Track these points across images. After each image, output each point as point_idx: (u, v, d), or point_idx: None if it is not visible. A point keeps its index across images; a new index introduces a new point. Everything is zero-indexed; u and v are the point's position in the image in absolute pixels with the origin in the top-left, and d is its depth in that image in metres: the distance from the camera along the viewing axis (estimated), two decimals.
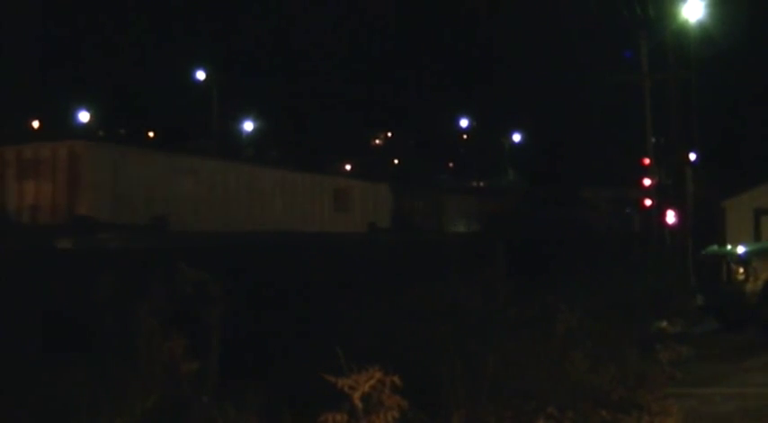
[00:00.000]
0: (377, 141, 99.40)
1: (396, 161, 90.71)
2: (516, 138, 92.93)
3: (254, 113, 73.98)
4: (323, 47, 75.69)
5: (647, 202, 39.98)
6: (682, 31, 35.76)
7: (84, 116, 70.18)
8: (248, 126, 74.98)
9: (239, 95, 67.59)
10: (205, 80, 62.06)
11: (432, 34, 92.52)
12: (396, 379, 7.35)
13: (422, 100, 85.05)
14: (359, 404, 7.22)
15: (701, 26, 36.31)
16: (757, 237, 31.16)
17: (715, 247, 22.42)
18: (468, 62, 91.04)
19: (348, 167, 77.99)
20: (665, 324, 18.00)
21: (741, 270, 18.80)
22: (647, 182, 39.56)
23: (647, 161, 39.15)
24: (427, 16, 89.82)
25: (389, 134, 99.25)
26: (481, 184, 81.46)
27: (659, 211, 37.45)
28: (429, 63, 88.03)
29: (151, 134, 71.99)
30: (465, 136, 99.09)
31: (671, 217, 36.36)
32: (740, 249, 19.98)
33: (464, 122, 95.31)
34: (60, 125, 60.92)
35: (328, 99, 74.45)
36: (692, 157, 42.85)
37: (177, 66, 66.18)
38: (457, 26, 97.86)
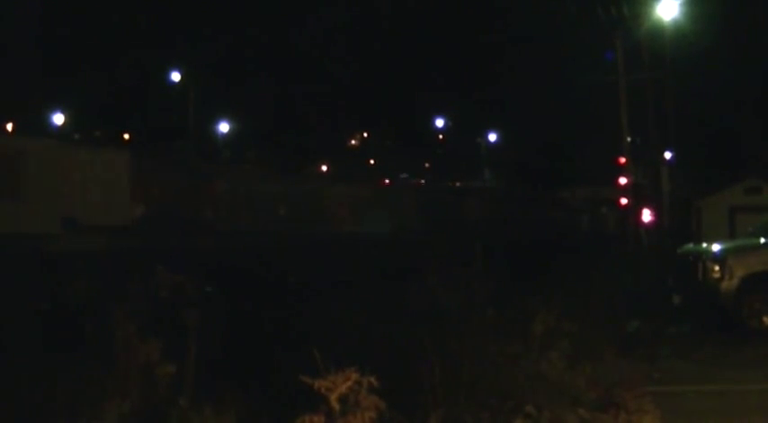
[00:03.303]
0: (353, 142, 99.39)
1: (372, 161, 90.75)
2: (492, 138, 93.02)
3: (229, 115, 73.88)
4: (298, 49, 75.60)
5: (624, 202, 40.14)
6: (657, 31, 35.92)
7: (58, 118, 69.95)
8: (224, 127, 74.86)
9: (215, 97, 67.50)
10: (180, 81, 61.93)
11: (407, 35, 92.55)
12: (372, 380, 7.36)
13: (398, 100, 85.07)
14: (336, 405, 7.22)
15: (676, 25, 36.47)
16: (732, 235, 31.34)
17: (690, 246, 22.50)
18: (443, 63, 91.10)
19: (324, 168, 77.99)
20: (641, 323, 18.04)
21: (716, 268, 18.89)
22: (622, 181, 39.71)
23: (622, 160, 39.30)
24: (402, 17, 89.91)
25: (365, 135, 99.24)
26: (457, 184, 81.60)
27: (635, 210, 37.59)
28: (404, 64, 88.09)
29: (126, 136, 71.81)
30: (441, 136, 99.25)
31: (647, 216, 36.52)
32: (715, 247, 20.07)
33: (440, 123, 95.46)
34: (35, 127, 60.64)
35: (304, 100, 74.38)
36: (668, 156, 43.07)
37: (152, 67, 66.02)
38: (432, 27, 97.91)
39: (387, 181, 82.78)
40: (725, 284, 18.72)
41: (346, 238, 27.50)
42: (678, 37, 37.59)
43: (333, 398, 7.22)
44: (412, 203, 37.70)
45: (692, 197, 38.50)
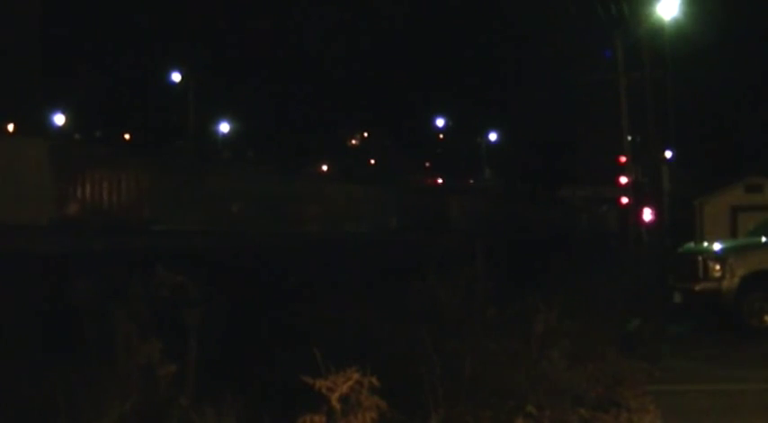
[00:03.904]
0: (353, 141, 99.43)
1: (372, 161, 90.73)
2: (492, 137, 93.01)
3: (230, 114, 73.87)
4: (298, 48, 75.51)
5: (624, 200, 40.07)
6: (657, 30, 35.89)
7: (59, 119, 69.93)
8: (224, 127, 74.87)
9: (216, 97, 67.45)
10: (181, 81, 61.86)
11: (407, 35, 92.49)
12: (373, 380, 7.35)
13: (398, 100, 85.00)
14: (337, 405, 7.21)
15: (677, 24, 36.46)
16: (734, 234, 31.32)
17: (692, 245, 22.51)
18: (443, 62, 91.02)
19: (325, 168, 77.96)
20: (642, 322, 18.05)
21: (717, 267, 18.89)
22: (623, 180, 39.63)
23: (623, 159, 39.24)
24: (402, 17, 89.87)
25: (365, 134, 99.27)
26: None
27: (636, 209, 37.53)
28: (405, 63, 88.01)
29: (127, 136, 71.78)
30: (441, 136, 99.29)
31: (647, 215, 36.45)
32: (717, 246, 20.08)
33: (440, 122, 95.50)
34: (36, 128, 60.53)
35: (304, 100, 74.35)
36: (669, 154, 43.07)
37: (153, 67, 66.01)
38: (432, 27, 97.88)
39: (440, 180, 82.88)
40: (726, 283, 18.73)
41: (307, 239, 24.76)
42: (678, 36, 37.60)
43: (334, 398, 7.21)
44: (393, 202, 34.76)
45: (693, 195, 38.46)
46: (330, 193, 29.46)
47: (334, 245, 22.58)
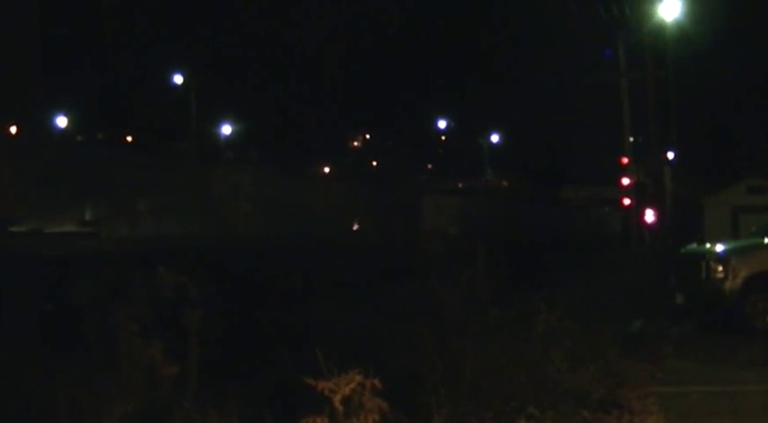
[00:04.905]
0: (355, 143, 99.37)
1: (374, 163, 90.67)
2: (495, 138, 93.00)
3: (232, 116, 73.79)
4: (299, 50, 75.55)
5: (626, 202, 40.04)
6: (659, 31, 35.88)
7: (62, 121, 69.88)
8: (226, 129, 74.81)
9: (217, 98, 67.41)
10: (183, 83, 61.82)
11: (407, 35, 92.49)
12: (376, 382, 7.34)
13: (400, 101, 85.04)
14: (339, 407, 7.20)
15: (678, 25, 36.45)
16: (735, 235, 31.31)
17: (694, 246, 22.47)
18: (444, 62, 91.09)
19: (327, 170, 77.93)
20: (644, 323, 18.03)
21: (720, 268, 18.85)
22: (625, 181, 39.59)
23: (625, 160, 39.22)
24: (404, 18, 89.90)
25: (367, 136, 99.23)
26: (459, 184, 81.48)
27: (638, 210, 37.52)
28: (406, 64, 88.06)
29: (129, 138, 71.73)
30: (443, 137, 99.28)
31: (650, 216, 36.42)
32: (719, 248, 20.04)
33: (442, 123, 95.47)
34: (38, 130, 60.53)
35: (306, 101, 74.32)
36: (671, 155, 43.02)
37: (155, 69, 66.00)
38: (433, 28, 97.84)
39: (505, 183, 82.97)
40: (728, 284, 18.69)
41: (234, 240, 21.17)
42: (680, 36, 37.59)
43: (336, 400, 7.21)
44: (353, 201, 31.30)
45: (695, 196, 38.48)
46: (264, 187, 26.62)
47: (260, 245, 19.82)
